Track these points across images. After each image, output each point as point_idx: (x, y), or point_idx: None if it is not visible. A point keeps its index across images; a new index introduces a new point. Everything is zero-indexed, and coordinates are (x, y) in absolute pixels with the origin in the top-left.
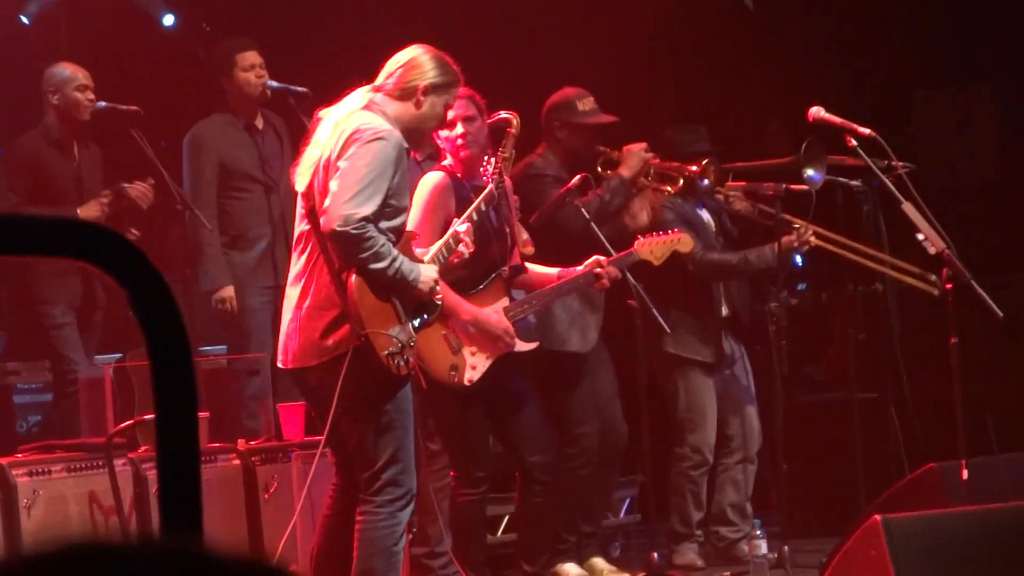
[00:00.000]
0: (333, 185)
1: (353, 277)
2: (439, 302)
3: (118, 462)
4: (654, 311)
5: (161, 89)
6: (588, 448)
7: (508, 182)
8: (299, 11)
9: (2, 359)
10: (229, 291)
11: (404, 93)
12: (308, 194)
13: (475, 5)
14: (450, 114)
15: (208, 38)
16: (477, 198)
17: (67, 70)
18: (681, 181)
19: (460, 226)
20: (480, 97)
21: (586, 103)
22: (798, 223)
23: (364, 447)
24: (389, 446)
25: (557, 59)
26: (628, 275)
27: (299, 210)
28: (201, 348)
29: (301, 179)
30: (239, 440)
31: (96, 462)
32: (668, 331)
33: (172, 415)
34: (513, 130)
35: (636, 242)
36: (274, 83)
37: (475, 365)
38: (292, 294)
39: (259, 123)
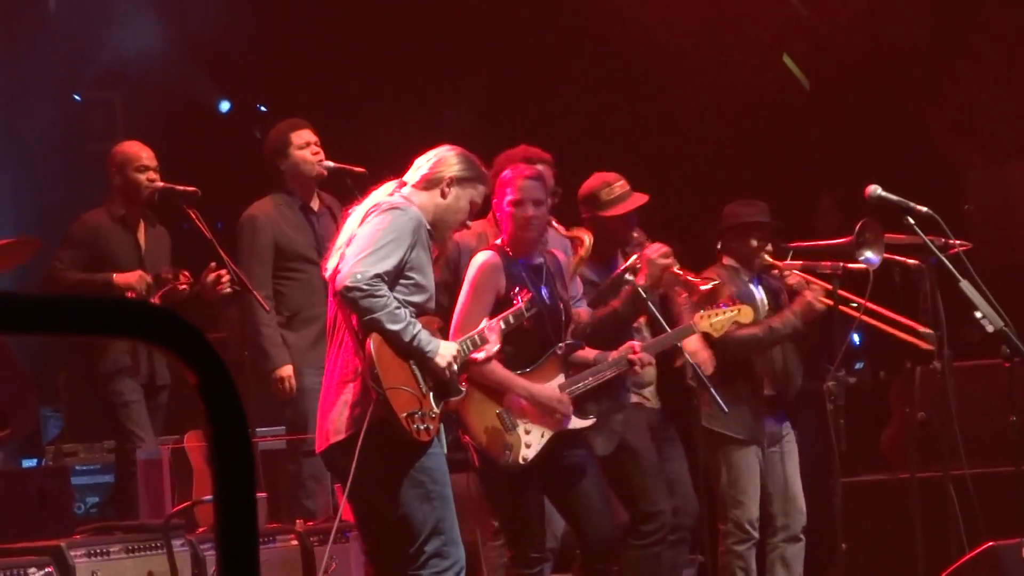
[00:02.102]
0: (350, 250)
1: (372, 338)
2: (463, 389)
3: (176, 543)
4: (712, 390)
5: (217, 170)
6: (664, 526)
7: (563, 259)
8: (355, 94)
9: (60, 440)
10: (288, 370)
11: (430, 184)
12: (333, 277)
13: (538, 84)
14: (521, 194)
15: (264, 118)
16: (530, 277)
17: (130, 150)
18: (695, 297)
19: (490, 323)
20: (550, 177)
21: (610, 191)
22: (855, 301)
23: (405, 521)
24: (430, 518)
25: (618, 136)
26: (686, 355)
27: (328, 293)
28: (257, 429)
29: (329, 264)
30: (297, 521)
31: (155, 543)
32: (726, 410)
33: (231, 496)
34: (583, 251)
35: (696, 315)
36: (331, 163)
37: (530, 443)
38: (324, 378)
39: (315, 205)
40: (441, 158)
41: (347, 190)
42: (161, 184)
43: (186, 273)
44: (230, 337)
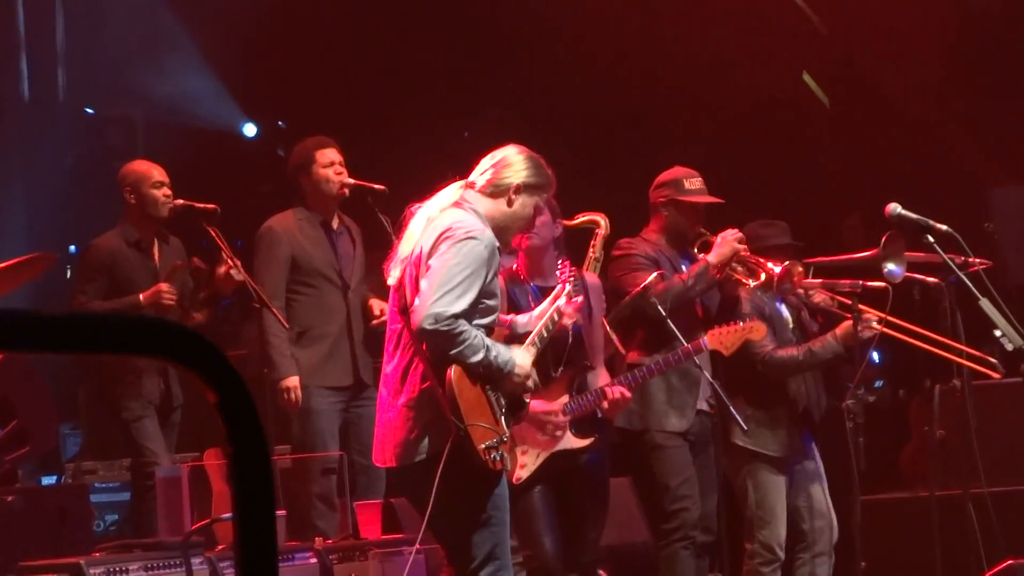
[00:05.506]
0: (424, 284)
1: (452, 371)
2: (527, 400)
3: (195, 561)
4: (731, 408)
5: (237, 187)
6: (687, 523)
7: (596, 281)
8: (377, 109)
9: (79, 458)
10: (294, 381)
11: (496, 191)
12: (399, 289)
13: (559, 100)
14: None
15: (285, 135)
16: (543, 298)
17: (140, 168)
18: (763, 276)
19: (561, 300)
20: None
21: (693, 182)
22: (873, 314)
23: (464, 545)
24: (487, 543)
25: (645, 153)
26: (705, 373)
27: (391, 306)
28: (276, 447)
29: (393, 273)
30: (317, 538)
31: (173, 561)
32: (744, 428)
33: (251, 514)
34: (601, 231)
35: (708, 332)
36: (351, 180)
37: (524, 464)
38: (386, 391)
39: (335, 224)
40: (508, 163)
41: (367, 207)
42: (181, 201)
43: (195, 259)
44: (250, 355)
